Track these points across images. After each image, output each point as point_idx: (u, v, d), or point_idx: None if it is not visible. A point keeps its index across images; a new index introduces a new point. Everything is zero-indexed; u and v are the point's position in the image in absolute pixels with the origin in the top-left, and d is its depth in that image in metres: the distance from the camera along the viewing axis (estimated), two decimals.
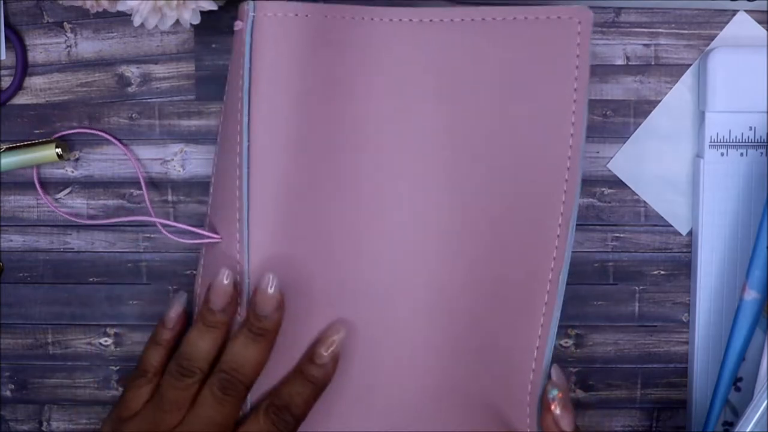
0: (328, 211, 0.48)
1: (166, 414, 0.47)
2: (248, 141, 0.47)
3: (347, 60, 0.48)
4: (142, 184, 0.53)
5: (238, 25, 0.47)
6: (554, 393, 0.47)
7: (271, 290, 0.47)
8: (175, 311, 0.50)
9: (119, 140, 0.53)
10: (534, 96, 0.47)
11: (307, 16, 0.47)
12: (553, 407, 0.47)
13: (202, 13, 0.49)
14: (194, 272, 0.54)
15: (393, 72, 0.48)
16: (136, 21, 0.47)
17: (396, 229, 0.49)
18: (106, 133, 0.53)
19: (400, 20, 0.48)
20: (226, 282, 0.47)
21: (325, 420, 0.50)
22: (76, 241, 0.54)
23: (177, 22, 0.49)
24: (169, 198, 0.54)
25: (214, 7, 0.48)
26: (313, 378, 0.48)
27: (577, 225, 0.53)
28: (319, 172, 0.48)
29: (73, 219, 0.54)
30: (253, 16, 0.47)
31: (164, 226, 0.53)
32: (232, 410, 0.47)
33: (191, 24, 0.48)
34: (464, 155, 0.48)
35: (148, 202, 0.53)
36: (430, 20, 0.47)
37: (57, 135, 0.53)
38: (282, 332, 0.48)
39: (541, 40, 0.47)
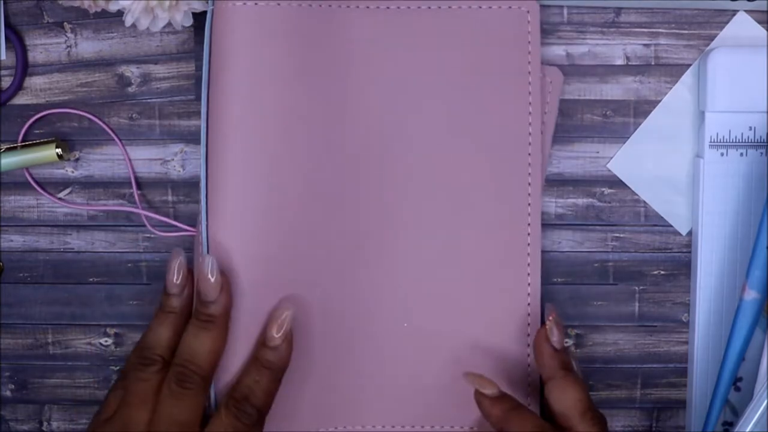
0: (301, 204, 0.49)
1: (132, 410, 0.45)
2: (206, 134, 0.48)
3: (323, 47, 0.49)
4: (130, 172, 0.53)
5: None
6: (548, 309, 0.49)
7: (211, 275, 0.46)
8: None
9: (101, 120, 0.53)
10: (494, 76, 0.50)
11: (278, 4, 0.48)
12: (547, 324, 0.49)
13: (201, 12, 0.49)
14: None
15: (368, 59, 0.49)
16: (128, 21, 0.47)
17: (371, 218, 0.50)
18: (93, 115, 0.53)
19: (374, 7, 0.49)
20: (176, 266, 0.47)
21: (316, 419, 0.50)
22: (76, 241, 0.54)
23: (169, 23, 0.49)
24: (169, 198, 0.54)
25: (206, 8, 0.48)
26: (269, 363, 0.47)
27: (577, 225, 0.53)
28: (292, 159, 0.48)
29: (73, 206, 0.54)
30: (212, 9, 0.47)
31: (150, 220, 0.53)
32: (192, 405, 0.45)
33: (185, 25, 0.48)
34: (437, 140, 0.50)
35: (136, 194, 0.53)
36: (398, 7, 0.50)
37: (40, 115, 0.53)
38: (247, 328, 0.48)
39: (496, 27, 0.50)
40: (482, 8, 0.50)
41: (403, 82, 0.50)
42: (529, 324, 0.51)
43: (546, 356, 0.48)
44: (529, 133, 0.50)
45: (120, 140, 0.53)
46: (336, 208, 0.49)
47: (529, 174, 0.50)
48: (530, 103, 0.50)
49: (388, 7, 0.50)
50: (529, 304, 0.51)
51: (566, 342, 0.53)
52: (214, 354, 0.46)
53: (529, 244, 0.51)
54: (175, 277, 0.47)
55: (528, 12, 0.50)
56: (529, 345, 0.51)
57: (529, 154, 0.50)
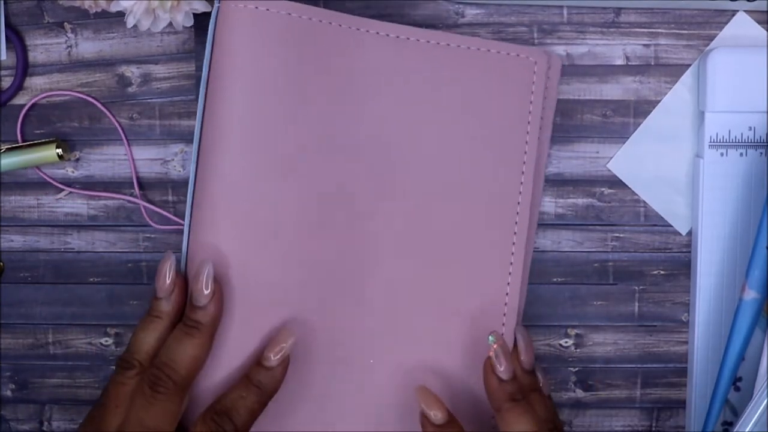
0: (288, 210, 0.48)
1: (106, 412, 0.44)
2: (200, 130, 0.47)
3: (326, 65, 0.48)
4: (131, 162, 0.53)
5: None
6: (491, 339, 0.47)
7: (205, 280, 0.45)
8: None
9: (108, 110, 0.53)
10: (492, 121, 0.50)
11: (289, 14, 0.47)
12: (491, 352, 0.46)
13: (201, 14, 0.49)
14: None
15: (371, 82, 0.49)
16: (130, 22, 0.47)
17: (362, 231, 0.49)
18: (98, 100, 0.53)
19: (387, 35, 0.49)
20: (168, 269, 0.46)
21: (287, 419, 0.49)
22: (76, 241, 0.54)
23: (170, 24, 0.49)
24: (170, 198, 0.54)
25: (208, 9, 0.48)
26: (259, 383, 0.45)
27: (577, 225, 0.53)
28: (283, 170, 0.48)
29: (82, 191, 0.54)
30: (218, 7, 0.47)
31: (152, 216, 0.53)
32: (162, 411, 0.43)
33: (186, 26, 0.48)
34: (428, 168, 0.49)
35: (136, 185, 0.54)
36: (408, 38, 0.49)
37: (43, 95, 0.53)
38: (229, 335, 0.47)
39: (500, 74, 0.50)
40: (491, 52, 0.50)
41: (403, 112, 0.49)
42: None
43: (492, 388, 0.46)
44: (521, 183, 0.50)
45: (123, 130, 0.53)
46: (323, 229, 0.48)
47: (516, 222, 0.50)
48: (525, 153, 0.50)
49: (398, 37, 0.49)
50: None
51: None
52: (194, 361, 0.45)
53: (508, 286, 0.50)
54: (164, 281, 0.46)
55: (536, 63, 0.50)
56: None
57: (518, 203, 0.50)
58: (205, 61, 0.47)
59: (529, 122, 0.50)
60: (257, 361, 0.46)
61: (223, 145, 0.47)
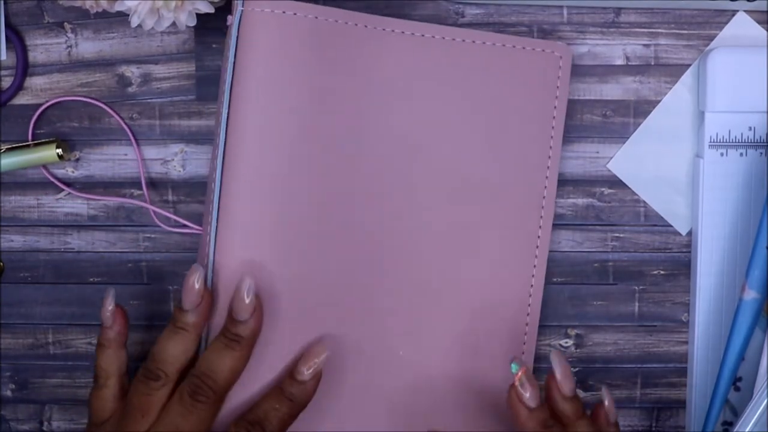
0: (316, 214, 0.48)
1: (129, 420, 0.45)
2: (225, 137, 0.47)
3: (351, 66, 0.48)
4: (139, 160, 0.53)
5: (229, 20, 0.47)
6: (514, 367, 0.46)
7: (246, 295, 0.45)
8: (107, 309, 0.48)
9: (112, 109, 0.53)
10: (517, 118, 0.50)
11: (312, 17, 0.47)
12: (516, 381, 0.45)
13: (202, 14, 0.49)
14: None
15: (395, 82, 0.49)
16: (134, 21, 0.47)
17: (388, 233, 0.49)
18: (103, 103, 0.53)
19: (408, 33, 0.49)
20: (195, 281, 0.46)
21: (319, 420, 0.49)
22: (76, 241, 0.54)
23: (173, 23, 0.49)
24: (170, 198, 0.54)
25: (210, 9, 0.48)
26: (291, 395, 0.45)
27: (577, 225, 0.53)
28: (308, 175, 0.48)
29: (88, 196, 0.54)
30: (242, 11, 0.47)
31: (157, 215, 0.53)
32: (199, 420, 0.44)
33: (189, 25, 0.48)
34: (453, 168, 0.50)
35: (144, 187, 0.53)
36: (433, 36, 0.49)
37: (53, 101, 0.53)
38: (263, 343, 0.47)
39: (526, 70, 0.50)
40: (516, 48, 0.50)
41: (426, 110, 0.49)
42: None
43: (522, 418, 0.45)
44: (546, 177, 0.50)
45: (131, 131, 0.53)
46: (348, 231, 0.48)
47: (541, 217, 0.50)
48: (551, 147, 0.50)
49: (422, 35, 0.49)
50: (524, 343, 0.51)
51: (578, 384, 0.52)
52: (233, 373, 0.45)
53: (532, 286, 0.50)
54: (191, 293, 0.46)
55: (561, 57, 0.50)
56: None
57: (544, 197, 0.50)
58: (228, 65, 0.47)
59: (554, 117, 0.50)
60: (290, 373, 0.46)
61: (248, 151, 0.47)
